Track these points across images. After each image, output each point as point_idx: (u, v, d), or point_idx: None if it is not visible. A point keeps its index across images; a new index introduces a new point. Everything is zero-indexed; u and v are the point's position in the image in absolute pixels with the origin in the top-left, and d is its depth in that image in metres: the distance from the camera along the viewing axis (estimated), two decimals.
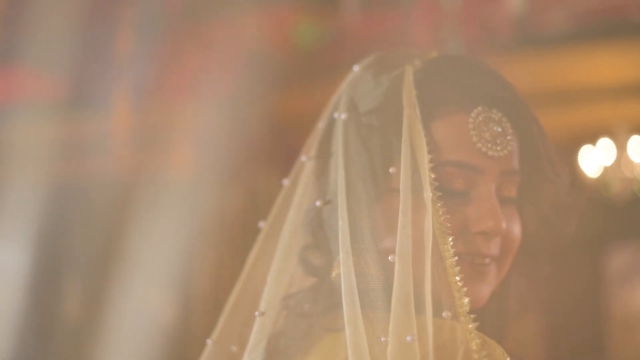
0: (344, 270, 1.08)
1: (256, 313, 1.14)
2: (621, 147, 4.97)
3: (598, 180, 4.97)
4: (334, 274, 1.15)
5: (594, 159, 4.99)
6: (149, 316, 4.34)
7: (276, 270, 1.17)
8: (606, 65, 4.88)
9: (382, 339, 1.01)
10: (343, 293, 1.06)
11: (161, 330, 4.28)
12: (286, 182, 1.27)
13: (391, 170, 1.12)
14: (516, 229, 1.16)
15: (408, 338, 0.97)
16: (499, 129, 1.14)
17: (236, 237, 4.25)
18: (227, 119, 4.21)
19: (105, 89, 4.28)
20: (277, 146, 4.37)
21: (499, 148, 1.13)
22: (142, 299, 4.39)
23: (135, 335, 4.06)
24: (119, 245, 4.31)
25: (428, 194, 1.07)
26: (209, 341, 1.24)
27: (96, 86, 4.24)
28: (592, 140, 5.00)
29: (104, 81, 4.25)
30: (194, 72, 4.12)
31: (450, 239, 1.06)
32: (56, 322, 4.81)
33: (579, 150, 4.99)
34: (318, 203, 1.17)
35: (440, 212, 1.07)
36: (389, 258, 1.04)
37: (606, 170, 4.97)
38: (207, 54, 4.10)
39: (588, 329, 5.03)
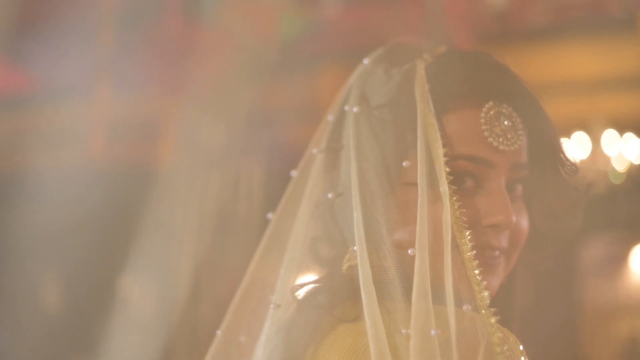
0: (360, 262, 1.09)
1: (271, 305, 1.15)
2: (595, 141, 5.01)
3: None
4: (345, 265, 1.16)
5: (569, 152, 5.03)
6: (128, 306, 4.32)
7: (289, 263, 1.18)
8: (582, 59, 4.93)
9: (403, 331, 1.02)
10: (361, 285, 1.07)
11: (141, 320, 4.27)
12: (294, 173, 1.27)
13: (405, 164, 1.13)
14: (524, 223, 1.18)
15: (432, 332, 0.98)
16: (510, 124, 1.16)
17: (217, 228, 4.24)
18: (209, 110, 4.20)
19: (86, 80, 4.25)
20: (259, 137, 4.37)
21: (509, 142, 1.15)
22: (122, 289, 4.38)
23: (116, 325, 4.04)
24: (98, 236, 4.29)
25: (444, 188, 1.08)
26: (218, 332, 1.25)
27: (77, 77, 4.20)
28: (567, 133, 5.04)
29: (86, 72, 4.22)
30: (177, 62, 4.11)
31: (467, 232, 1.07)
32: (35, 314, 4.78)
33: None
34: (330, 195, 1.18)
35: (456, 206, 1.08)
36: (409, 251, 1.05)
37: (580, 163, 5.01)
38: (189, 43, 4.09)
39: (563, 319, 5.09)
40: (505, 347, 1.00)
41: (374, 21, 4.03)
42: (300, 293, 1.18)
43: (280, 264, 1.20)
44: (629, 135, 4.98)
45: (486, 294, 1.04)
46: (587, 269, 5.35)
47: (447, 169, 1.10)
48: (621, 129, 4.97)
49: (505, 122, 1.15)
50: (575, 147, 5.01)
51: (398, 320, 1.04)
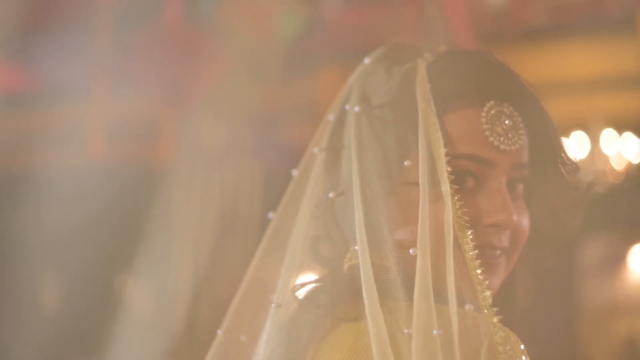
0: (361, 261, 1.09)
1: (272, 305, 1.15)
2: (594, 140, 5.02)
3: None
4: (346, 265, 1.16)
5: (570, 151, 5.03)
6: (129, 306, 4.32)
7: (290, 262, 1.18)
8: (581, 59, 4.94)
9: (405, 331, 1.02)
10: (362, 284, 1.07)
11: (142, 319, 4.27)
12: (295, 173, 1.27)
13: (406, 163, 1.13)
14: (525, 222, 1.18)
15: (435, 332, 0.98)
16: (511, 123, 1.16)
17: (218, 227, 4.25)
18: (210, 109, 4.20)
19: (87, 79, 4.25)
20: (260, 137, 4.37)
21: (510, 142, 1.15)
22: (123, 289, 4.38)
23: (117, 325, 4.04)
24: (99, 236, 4.29)
25: (446, 188, 1.08)
26: (219, 331, 1.25)
27: (77, 76, 4.20)
28: (566, 133, 5.05)
29: (87, 71, 4.22)
30: (177, 62, 4.11)
31: (469, 231, 1.07)
32: (36, 314, 4.78)
33: None
34: (331, 195, 1.18)
35: (458, 205, 1.09)
36: (411, 251, 1.05)
37: (579, 163, 5.01)
38: (190, 43, 4.09)
39: (563, 319, 5.09)
40: (508, 347, 1.00)
41: (374, 21, 4.03)
42: (301, 292, 1.17)
43: (281, 264, 1.20)
44: (628, 135, 4.99)
45: (488, 293, 1.04)
46: (587, 269, 5.35)
47: (449, 169, 1.10)
48: (620, 129, 4.98)
49: (507, 122, 1.15)
50: (574, 146, 5.01)
51: (400, 320, 1.04)
